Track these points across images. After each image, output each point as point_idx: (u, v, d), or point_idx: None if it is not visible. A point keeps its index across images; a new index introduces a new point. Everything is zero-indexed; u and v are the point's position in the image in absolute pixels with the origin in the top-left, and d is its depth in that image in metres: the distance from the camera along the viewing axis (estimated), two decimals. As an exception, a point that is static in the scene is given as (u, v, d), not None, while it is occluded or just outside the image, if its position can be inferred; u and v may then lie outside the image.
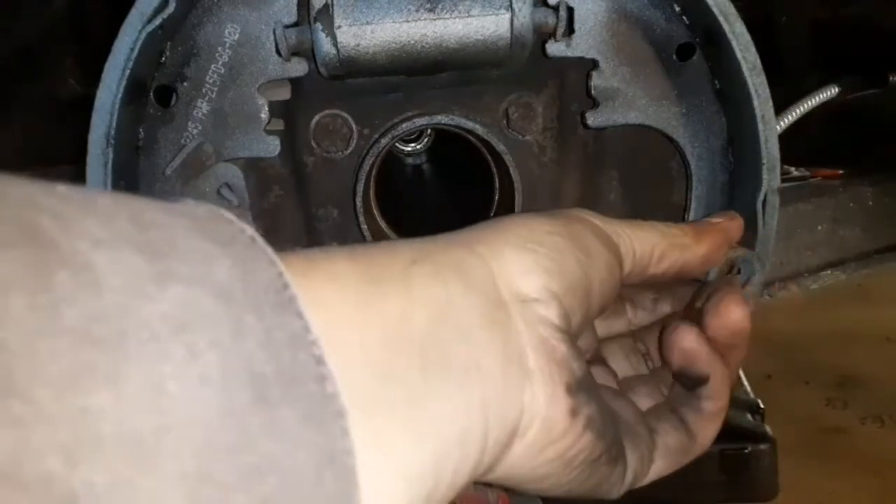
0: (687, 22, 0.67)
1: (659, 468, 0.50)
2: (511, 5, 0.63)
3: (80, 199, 0.27)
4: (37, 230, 0.24)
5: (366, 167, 0.70)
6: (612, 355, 0.56)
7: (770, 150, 0.64)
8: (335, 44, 0.63)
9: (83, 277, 0.24)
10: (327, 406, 0.29)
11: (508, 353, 0.40)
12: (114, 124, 0.61)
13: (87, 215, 0.26)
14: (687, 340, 0.50)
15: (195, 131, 0.66)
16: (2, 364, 0.21)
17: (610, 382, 0.53)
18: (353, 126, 0.71)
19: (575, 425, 0.42)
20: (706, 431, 0.51)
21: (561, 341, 0.42)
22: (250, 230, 0.31)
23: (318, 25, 0.63)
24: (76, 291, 0.24)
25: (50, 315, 0.23)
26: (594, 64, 0.67)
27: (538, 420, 0.41)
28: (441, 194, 1.01)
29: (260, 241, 0.31)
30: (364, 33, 0.63)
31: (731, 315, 0.51)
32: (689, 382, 0.51)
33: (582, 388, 0.43)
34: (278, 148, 0.67)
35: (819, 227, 2.31)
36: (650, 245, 0.51)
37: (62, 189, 0.27)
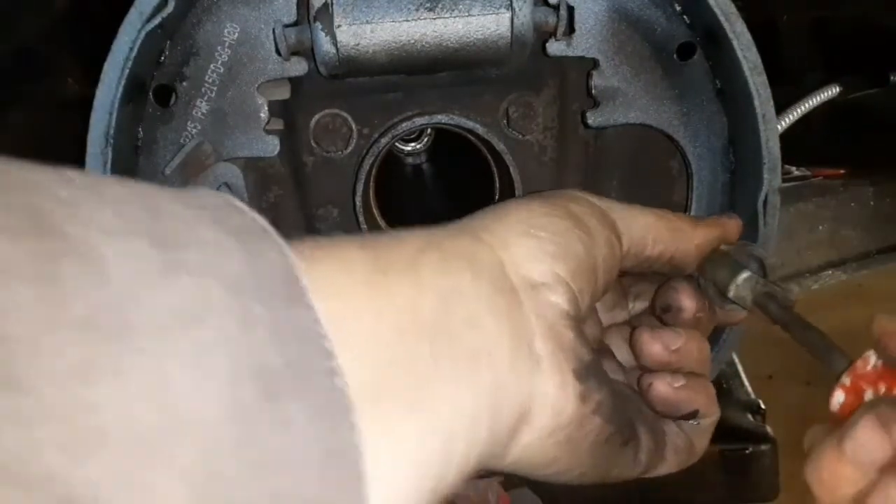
0: (687, 21, 0.66)
1: (669, 465, 0.51)
2: (511, 4, 0.63)
3: (92, 186, 0.26)
4: (44, 218, 0.24)
5: (366, 167, 0.70)
6: (615, 345, 0.57)
7: (771, 149, 0.63)
8: (335, 43, 0.63)
9: (91, 267, 0.24)
10: (336, 401, 0.28)
11: (517, 340, 0.40)
12: (113, 124, 0.61)
13: (97, 203, 0.26)
14: (661, 389, 0.50)
15: (194, 131, 0.66)
16: (6, 357, 0.21)
17: (619, 376, 0.53)
18: (353, 125, 0.70)
19: (584, 410, 0.42)
20: (702, 440, 0.53)
21: (568, 328, 0.43)
22: (262, 220, 0.31)
23: (318, 24, 0.62)
24: (83, 282, 0.23)
25: (57, 306, 0.22)
26: (594, 63, 0.67)
27: (548, 406, 0.41)
28: (441, 194, 1.01)
29: (271, 230, 0.31)
30: (364, 32, 0.63)
31: (650, 354, 0.51)
32: (682, 419, 0.52)
33: (591, 373, 0.43)
34: (278, 147, 0.67)
35: (820, 227, 2.31)
36: (645, 225, 0.51)
37: (72, 175, 0.26)
